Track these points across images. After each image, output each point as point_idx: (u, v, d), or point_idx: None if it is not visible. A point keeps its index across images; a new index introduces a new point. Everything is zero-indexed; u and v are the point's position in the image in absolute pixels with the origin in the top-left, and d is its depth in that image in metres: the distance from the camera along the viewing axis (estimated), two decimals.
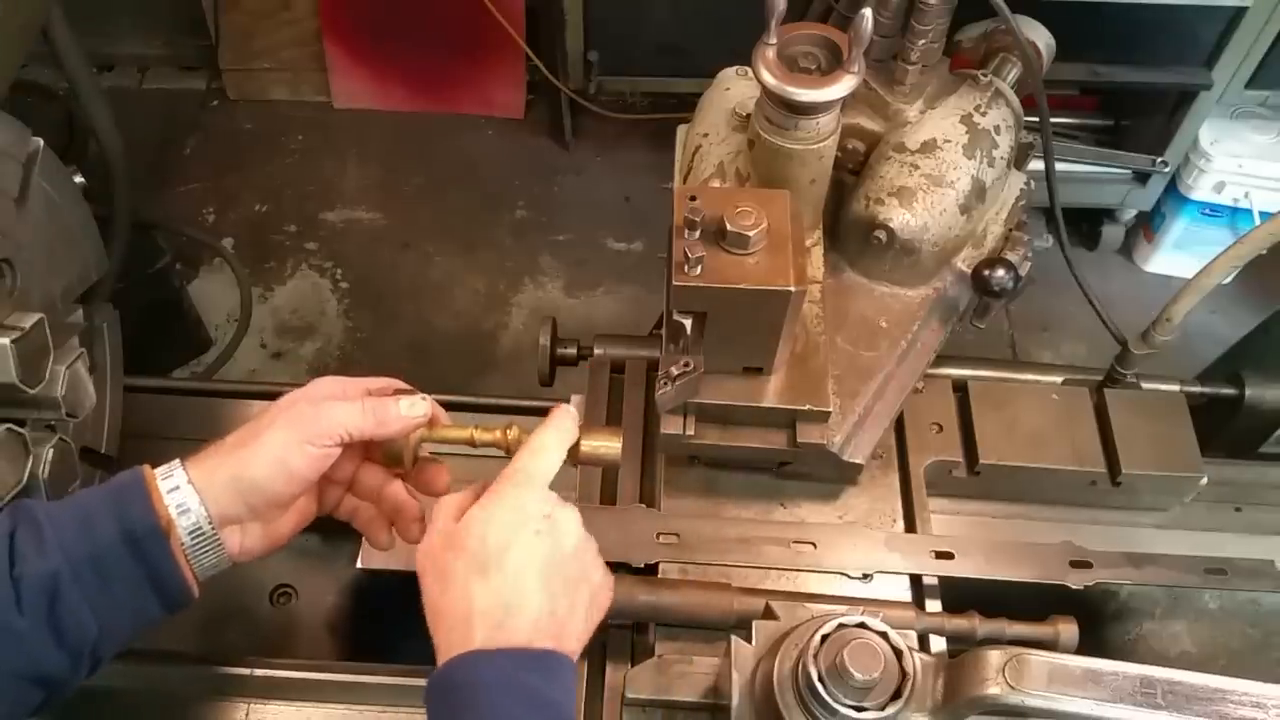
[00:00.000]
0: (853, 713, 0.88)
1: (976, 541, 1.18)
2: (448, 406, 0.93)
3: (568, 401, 1.15)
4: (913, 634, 1.08)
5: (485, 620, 0.74)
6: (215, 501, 0.79)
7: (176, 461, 0.80)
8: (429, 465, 0.91)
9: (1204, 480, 1.23)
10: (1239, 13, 2.13)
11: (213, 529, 0.79)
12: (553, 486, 0.83)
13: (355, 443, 0.84)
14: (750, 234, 0.93)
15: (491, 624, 0.74)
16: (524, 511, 0.79)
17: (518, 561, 0.76)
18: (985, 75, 1.22)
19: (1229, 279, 2.03)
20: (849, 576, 1.15)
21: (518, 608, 0.75)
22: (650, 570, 1.11)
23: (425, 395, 0.87)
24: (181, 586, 0.79)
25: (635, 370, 1.27)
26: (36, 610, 0.73)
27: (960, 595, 1.14)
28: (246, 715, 1.07)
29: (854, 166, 1.21)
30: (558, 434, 0.85)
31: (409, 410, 0.84)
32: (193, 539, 0.78)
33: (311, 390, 0.85)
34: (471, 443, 0.88)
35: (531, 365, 1.33)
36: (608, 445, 0.88)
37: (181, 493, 0.78)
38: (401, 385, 0.90)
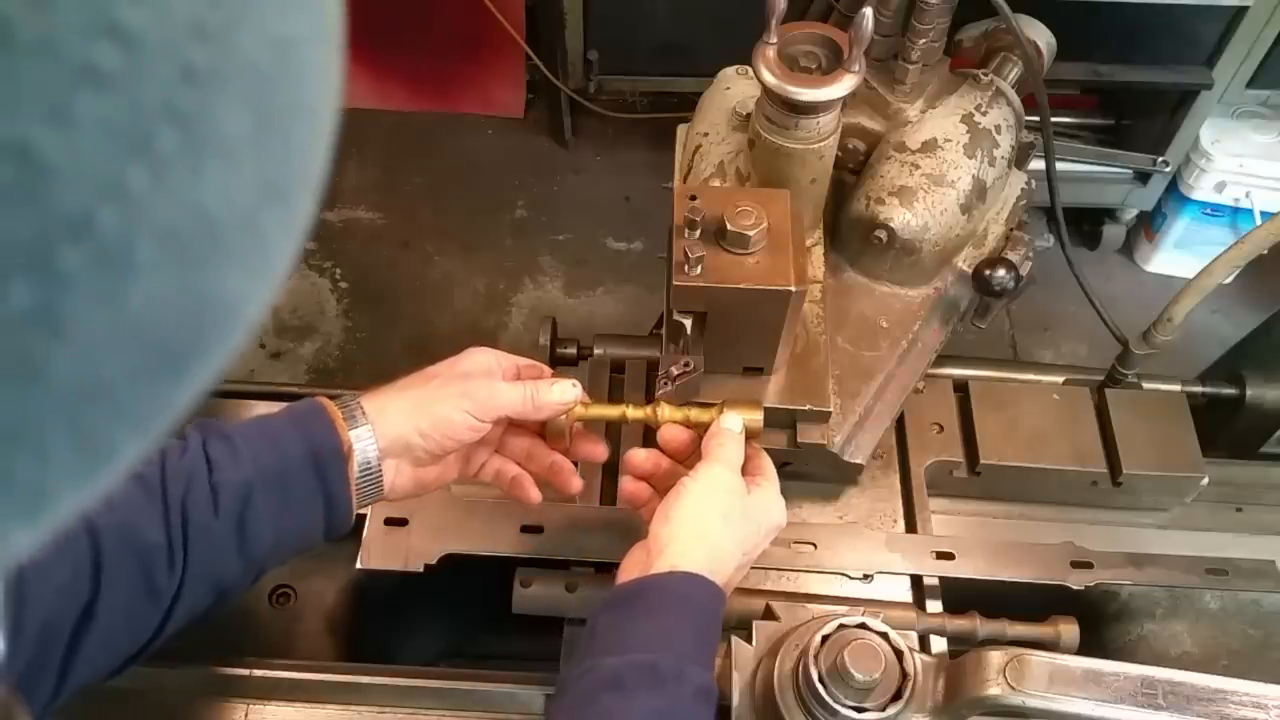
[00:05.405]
0: (853, 713, 0.88)
1: (977, 542, 1.18)
2: None
3: None
4: (913, 634, 1.07)
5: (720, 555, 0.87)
6: (382, 436, 0.86)
7: (353, 395, 0.88)
8: (587, 438, 1.01)
9: (1205, 480, 1.23)
10: (1240, 12, 2.12)
11: (379, 463, 0.86)
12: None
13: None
14: (750, 234, 0.93)
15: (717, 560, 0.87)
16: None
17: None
18: (986, 74, 1.22)
19: (1230, 279, 2.03)
20: (849, 577, 1.14)
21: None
22: None
23: (576, 381, 0.95)
24: (347, 511, 0.85)
25: (635, 370, 1.27)
26: (229, 516, 0.78)
27: (961, 596, 1.14)
28: (245, 716, 1.07)
29: (854, 166, 1.21)
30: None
31: (560, 396, 0.93)
32: (361, 470, 0.86)
33: (471, 361, 0.95)
34: (624, 420, 0.98)
35: None
36: (753, 416, 0.96)
37: (358, 425, 0.86)
38: (545, 372, 0.99)
